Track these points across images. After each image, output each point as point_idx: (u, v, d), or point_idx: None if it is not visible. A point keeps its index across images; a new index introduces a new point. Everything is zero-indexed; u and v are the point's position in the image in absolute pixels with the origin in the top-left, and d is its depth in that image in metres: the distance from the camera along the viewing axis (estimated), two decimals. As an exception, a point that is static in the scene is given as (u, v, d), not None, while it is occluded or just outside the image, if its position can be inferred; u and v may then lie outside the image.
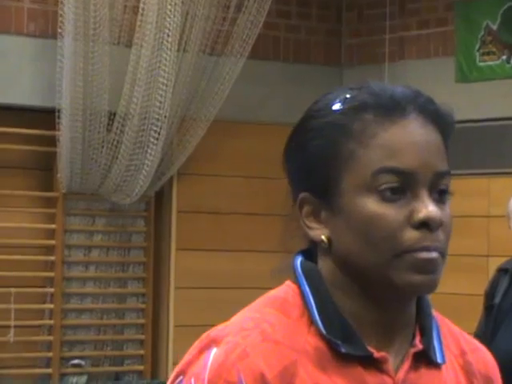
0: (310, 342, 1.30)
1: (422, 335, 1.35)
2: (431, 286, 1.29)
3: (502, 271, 5.90)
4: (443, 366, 1.36)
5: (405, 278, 1.27)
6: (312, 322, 1.31)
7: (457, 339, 1.45)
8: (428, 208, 1.28)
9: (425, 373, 1.34)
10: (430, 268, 1.27)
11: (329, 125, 1.35)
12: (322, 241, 1.33)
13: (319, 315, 1.31)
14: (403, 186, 1.29)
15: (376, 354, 1.29)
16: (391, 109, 1.32)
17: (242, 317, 1.40)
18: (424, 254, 1.26)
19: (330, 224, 1.34)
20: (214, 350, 1.32)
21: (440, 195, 1.30)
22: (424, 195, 1.29)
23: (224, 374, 1.29)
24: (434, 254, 1.27)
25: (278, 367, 1.27)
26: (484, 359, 1.46)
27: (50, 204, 9.36)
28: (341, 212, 1.33)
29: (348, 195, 1.32)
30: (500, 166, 9.02)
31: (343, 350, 1.30)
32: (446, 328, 1.43)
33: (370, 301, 1.33)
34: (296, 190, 1.38)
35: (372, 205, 1.28)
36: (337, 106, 1.34)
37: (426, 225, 1.28)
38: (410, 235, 1.27)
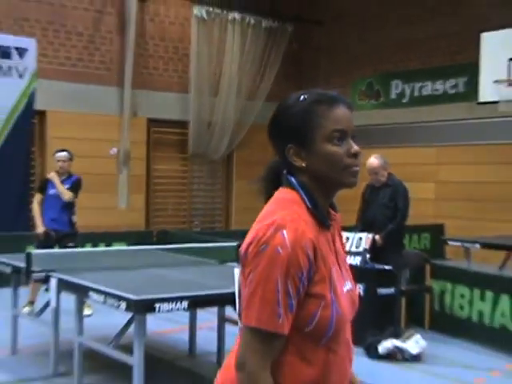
0: (309, 219, 2.20)
1: (333, 209, 2.35)
2: (356, 183, 2.29)
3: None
4: (333, 223, 2.33)
5: (348, 180, 2.28)
6: (308, 208, 2.22)
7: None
8: (355, 147, 2.26)
9: (334, 226, 2.33)
10: (356, 175, 2.27)
11: (304, 108, 2.26)
12: (303, 167, 2.26)
13: (311, 205, 2.23)
14: (342, 136, 2.24)
15: (329, 224, 2.27)
16: (332, 101, 2.27)
17: (284, 211, 2.20)
18: (354, 169, 2.26)
19: (306, 158, 2.25)
20: (285, 231, 2.11)
21: (353, 139, 2.25)
22: (350, 141, 2.26)
23: (298, 242, 2.11)
24: (357, 168, 2.26)
25: (314, 233, 2.18)
26: (338, 219, 2.37)
27: (185, 159, 17.05)
28: (313, 152, 2.24)
29: (317, 143, 2.24)
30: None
31: (326, 224, 2.26)
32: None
33: (326, 195, 2.29)
34: (282, 145, 2.29)
35: (330, 147, 2.23)
36: (303, 100, 2.27)
37: (355, 155, 2.25)
38: (348, 160, 2.24)
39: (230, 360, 2.32)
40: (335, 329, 2.20)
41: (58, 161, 10.07)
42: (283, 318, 2.11)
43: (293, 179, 2.27)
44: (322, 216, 2.25)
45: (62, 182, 9.99)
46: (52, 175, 9.92)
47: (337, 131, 2.23)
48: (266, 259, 2.08)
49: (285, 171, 2.31)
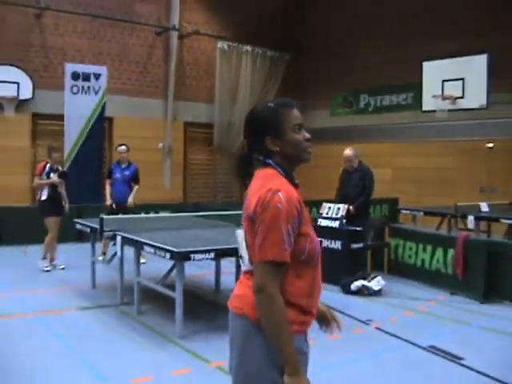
0: (289, 184, 2.38)
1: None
2: (310, 159, 2.46)
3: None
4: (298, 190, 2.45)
5: (306, 157, 2.48)
6: (285, 178, 2.41)
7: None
8: (307, 134, 2.45)
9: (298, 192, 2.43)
10: (310, 153, 2.47)
11: (275, 110, 2.44)
12: (277, 151, 2.44)
13: (286, 175, 2.44)
14: (300, 128, 2.46)
15: (298, 185, 2.43)
16: (290, 105, 2.47)
17: (276, 182, 2.36)
18: (309, 149, 2.48)
19: (279, 145, 2.43)
20: (280, 193, 2.30)
21: (305, 129, 2.46)
22: (304, 130, 2.46)
23: (289, 199, 2.31)
24: (311, 149, 2.46)
25: (296, 193, 2.37)
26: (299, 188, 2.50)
27: (211, 151, 17.09)
28: (284, 139, 2.43)
29: (286, 134, 2.43)
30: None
31: (297, 186, 2.42)
32: None
33: (291, 169, 2.48)
34: (261, 138, 2.43)
35: (294, 135, 2.44)
36: (271, 105, 2.47)
37: (309, 139, 2.44)
38: (305, 143, 2.46)
39: (241, 290, 2.48)
40: (317, 255, 2.44)
41: (120, 153, 10.12)
42: (288, 251, 2.30)
43: (270, 161, 2.43)
44: (294, 182, 2.44)
45: (124, 169, 10.05)
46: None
47: (297, 124, 2.45)
48: (270, 213, 2.27)
49: (260, 157, 2.45)
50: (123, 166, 10.08)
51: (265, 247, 2.31)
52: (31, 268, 9.44)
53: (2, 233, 11.82)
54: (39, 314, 6.88)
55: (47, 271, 9.27)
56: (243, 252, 2.59)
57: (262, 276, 2.31)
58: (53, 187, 9.31)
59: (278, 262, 2.28)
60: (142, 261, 9.76)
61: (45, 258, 9.42)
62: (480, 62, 12.34)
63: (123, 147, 10.15)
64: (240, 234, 2.60)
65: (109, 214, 9.59)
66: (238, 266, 7.43)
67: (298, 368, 2.27)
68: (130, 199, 9.99)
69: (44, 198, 9.27)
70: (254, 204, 2.33)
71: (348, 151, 9.05)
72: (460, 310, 7.33)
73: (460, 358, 5.41)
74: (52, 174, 9.33)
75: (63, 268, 9.51)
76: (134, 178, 10.10)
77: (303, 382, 2.29)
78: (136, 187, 10.11)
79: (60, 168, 9.71)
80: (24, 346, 5.72)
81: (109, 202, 10.01)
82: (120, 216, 8.99)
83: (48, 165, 9.37)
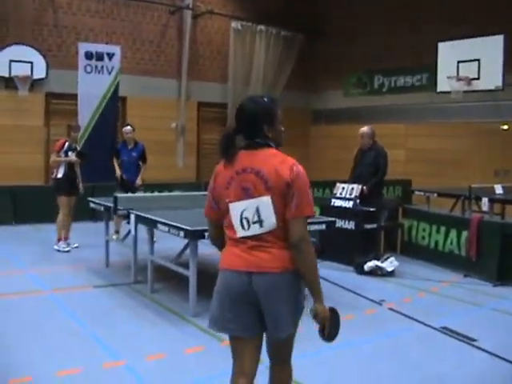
0: None
1: None
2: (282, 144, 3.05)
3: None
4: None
5: (282, 143, 3.02)
6: None
7: None
8: (283, 127, 3.05)
9: None
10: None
11: (270, 104, 2.95)
12: (270, 136, 2.94)
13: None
14: (281, 121, 3.04)
15: None
16: (277, 101, 3.03)
17: (289, 157, 2.88)
18: (284, 137, 3.05)
19: (271, 132, 2.95)
20: (298, 164, 2.87)
21: None
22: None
23: (303, 169, 2.88)
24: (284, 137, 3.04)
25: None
26: None
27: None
28: (275, 129, 2.97)
29: (276, 124, 2.98)
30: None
31: None
32: None
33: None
34: (260, 125, 2.90)
35: (279, 126, 3.01)
36: (266, 100, 2.97)
37: (283, 132, 3.05)
38: (283, 134, 3.04)
39: (275, 253, 2.89)
40: None
41: (126, 133, 10.12)
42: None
43: (271, 143, 2.97)
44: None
45: (131, 150, 10.06)
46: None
47: (280, 118, 3.03)
48: (301, 178, 2.85)
49: (259, 140, 2.94)
50: (130, 146, 10.11)
51: (303, 205, 2.86)
52: (46, 246, 9.50)
53: (16, 211, 11.91)
54: (54, 291, 6.93)
55: (67, 251, 9.24)
56: (267, 216, 2.85)
57: (302, 228, 2.86)
58: (70, 166, 9.31)
59: (310, 217, 2.92)
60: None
61: (60, 239, 9.41)
62: (496, 42, 12.31)
63: (128, 127, 10.18)
64: (264, 200, 2.81)
65: (119, 186, 9.77)
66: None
67: (323, 297, 2.92)
68: (138, 181, 10.03)
69: (60, 175, 9.27)
70: (287, 174, 2.83)
71: (364, 128, 9.01)
72: (473, 291, 7.30)
73: (473, 340, 5.38)
74: (70, 153, 9.33)
75: (77, 247, 9.54)
76: (142, 158, 10.10)
77: (325, 308, 2.95)
78: (143, 167, 10.12)
79: (78, 147, 9.69)
80: (38, 323, 5.76)
81: (119, 172, 10.05)
82: (134, 194, 9.00)
83: (67, 143, 9.34)
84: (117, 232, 9.85)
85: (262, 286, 2.86)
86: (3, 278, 7.54)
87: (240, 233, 2.91)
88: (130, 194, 9.13)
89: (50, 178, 9.55)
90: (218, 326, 3.03)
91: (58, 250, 9.26)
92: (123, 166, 10.09)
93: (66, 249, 9.28)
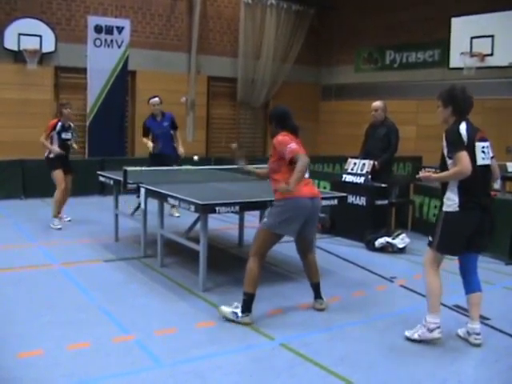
0: None
1: None
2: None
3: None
4: None
5: None
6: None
7: None
8: None
9: None
10: None
11: (282, 111, 5.30)
12: (281, 133, 5.11)
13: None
14: None
15: None
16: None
17: (290, 140, 5.01)
18: None
19: (277, 127, 5.19)
20: (292, 144, 4.96)
21: None
22: None
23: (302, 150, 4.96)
24: None
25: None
26: None
27: (234, 106, 16.91)
28: (274, 125, 5.24)
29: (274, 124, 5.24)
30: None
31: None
32: None
33: None
34: (276, 126, 5.18)
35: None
36: (280, 108, 5.36)
37: None
38: None
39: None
40: None
41: (153, 105, 9.92)
42: None
43: (280, 131, 5.11)
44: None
45: (161, 122, 9.88)
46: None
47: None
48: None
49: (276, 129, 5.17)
50: (158, 118, 9.89)
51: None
52: (55, 220, 9.45)
53: (25, 185, 11.88)
54: (64, 265, 6.90)
55: (58, 229, 8.96)
56: None
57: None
58: (63, 146, 9.10)
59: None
60: (177, 214, 9.81)
61: (55, 216, 9.20)
62: (510, 18, 12.08)
63: (156, 99, 9.90)
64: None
65: (152, 160, 9.53)
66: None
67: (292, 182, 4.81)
68: (182, 149, 9.84)
69: (52, 155, 9.04)
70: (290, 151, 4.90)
71: (377, 102, 8.91)
72: (485, 269, 7.13)
73: (486, 318, 5.31)
74: (64, 134, 9.12)
75: (69, 220, 9.44)
76: (173, 126, 9.96)
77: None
78: (178, 134, 9.99)
79: (72, 125, 9.42)
80: (48, 296, 5.74)
81: (151, 148, 9.72)
82: (144, 168, 8.87)
83: (59, 123, 9.11)
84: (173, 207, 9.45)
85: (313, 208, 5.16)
86: (14, 252, 7.52)
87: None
88: (141, 168, 9.00)
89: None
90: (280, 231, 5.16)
91: (53, 228, 9.01)
92: (159, 141, 9.78)
93: (58, 226, 9.04)
